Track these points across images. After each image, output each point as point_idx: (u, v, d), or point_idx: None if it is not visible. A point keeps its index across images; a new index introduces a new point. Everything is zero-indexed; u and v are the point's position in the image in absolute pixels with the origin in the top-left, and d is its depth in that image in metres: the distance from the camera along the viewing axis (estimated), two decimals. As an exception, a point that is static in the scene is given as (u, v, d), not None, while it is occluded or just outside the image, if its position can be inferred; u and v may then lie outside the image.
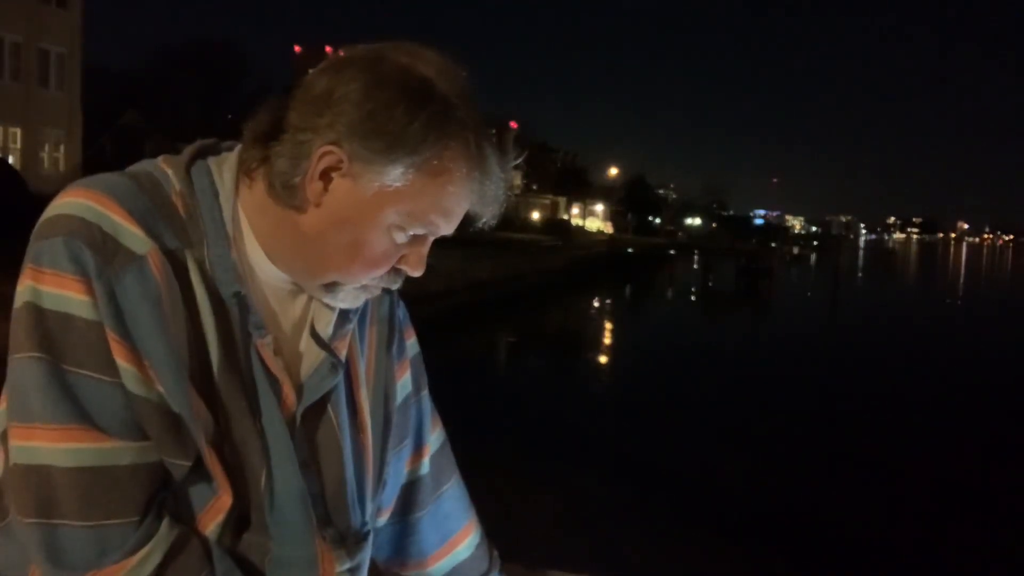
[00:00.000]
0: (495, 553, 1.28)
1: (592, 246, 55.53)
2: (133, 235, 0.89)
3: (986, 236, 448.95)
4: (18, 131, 29.27)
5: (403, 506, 1.17)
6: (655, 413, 13.96)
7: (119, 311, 0.87)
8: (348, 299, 1.00)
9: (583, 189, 78.89)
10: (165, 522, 0.90)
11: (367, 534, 1.09)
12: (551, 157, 77.57)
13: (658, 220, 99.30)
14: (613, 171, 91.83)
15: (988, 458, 11.94)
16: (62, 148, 30.88)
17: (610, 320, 31.12)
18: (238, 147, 1.00)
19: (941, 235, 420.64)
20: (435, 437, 1.22)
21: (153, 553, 0.88)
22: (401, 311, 1.18)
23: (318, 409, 1.01)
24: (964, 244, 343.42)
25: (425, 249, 0.98)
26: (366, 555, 1.09)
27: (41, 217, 0.91)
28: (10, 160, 25.68)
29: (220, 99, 44.08)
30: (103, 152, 33.96)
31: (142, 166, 0.98)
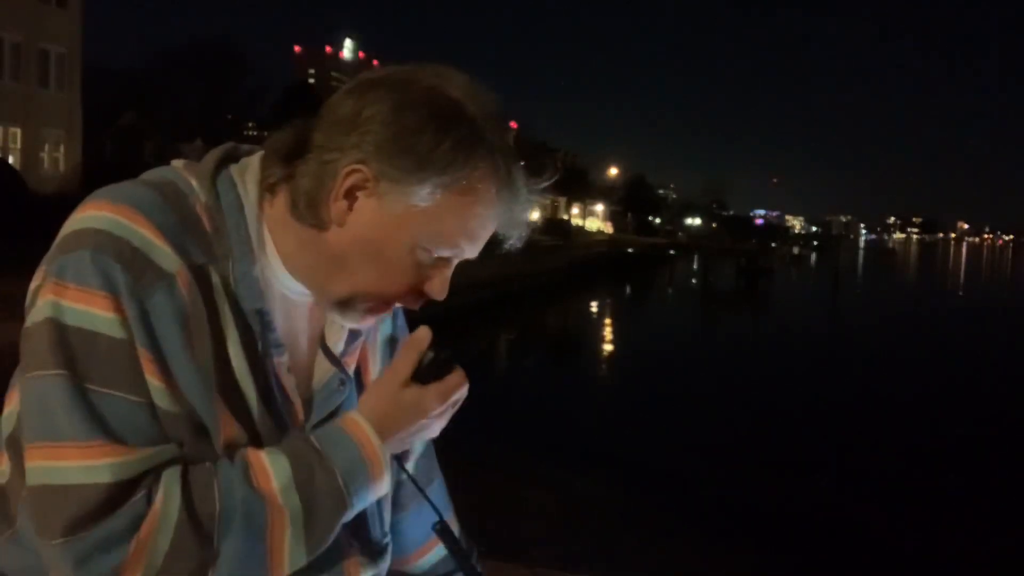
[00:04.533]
0: (472, 544, 1.29)
1: (592, 246, 55.56)
2: (163, 252, 0.88)
3: (986, 236, 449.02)
4: (18, 131, 29.24)
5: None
6: (654, 412, 13.97)
7: (150, 329, 0.86)
8: (363, 319, 0.99)
9: (583, 189, 78.86)
10: (165, 473, 0.86)
11: (387, 545, 1.11)
12: (551, 157, 77.51)
13: (658, 220, 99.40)
14: (613, 171, 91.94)
15: (987, 458, 11.95)
16: (62, 148, 30.85)
17: (610, 320, 31.14)
18: (258, 153, 1.00)
19: (941, 235, 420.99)
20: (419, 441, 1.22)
21: (170, 492, 0.85)
22: (400, 319, 1.18)
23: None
24: (964, 244, 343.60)
25: (449, 272, 0.96)
26: (386, 564, 1.10)
27: (63, 230, 0.89)
28: (10, 160, 25.69)
29: (220, 99, 44.10)
30: (103, 152, 33.95)
31: (163, 174, 0.96)
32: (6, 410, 0.92)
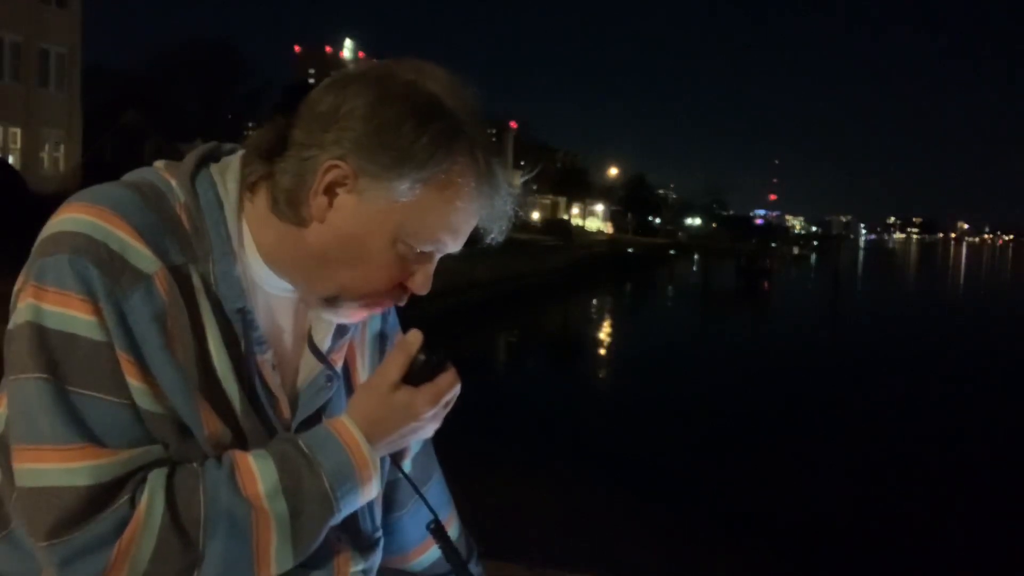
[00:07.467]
0: (473, 543, 1.30)
1: (592, 246, 55.54)
2: (141, 254, 0.88)
3: (986, 236, 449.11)
4: (18, 131, 29.29)
5: (385, 505, 1.17)
6: (655, 412, 13.97)
7: (129, 331, 0.87)
8: (350, 315, 0.99)
9: (583, 189, 78.85)
10: (150, 476, 0.86)
11: (378, 540, 1.10)
12: (551, 157, 77.70)
13: (658, 220, 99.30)
14: (613, 171, 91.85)
15: (987, 458, 11.95)
16: (62, 148, 30.90)
17: (610, 319, 31.14)
18: (240, 152, 0.99)
19: (941, 235, 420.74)
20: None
21: (155, 496, 0.85)
22: (392, 316, 1.17)
23: (313, 422, 1.01)
24: (964, 244, 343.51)
25: (431, 268, 0.97)
26: (377, 558, 1.10)
27: (42, 233, 0.89)
28: (10, 160, 25.71)
29: (220, 99, 44.21)
30: (103, 152, 33.93)
31: (143, 175, 0.96)
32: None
